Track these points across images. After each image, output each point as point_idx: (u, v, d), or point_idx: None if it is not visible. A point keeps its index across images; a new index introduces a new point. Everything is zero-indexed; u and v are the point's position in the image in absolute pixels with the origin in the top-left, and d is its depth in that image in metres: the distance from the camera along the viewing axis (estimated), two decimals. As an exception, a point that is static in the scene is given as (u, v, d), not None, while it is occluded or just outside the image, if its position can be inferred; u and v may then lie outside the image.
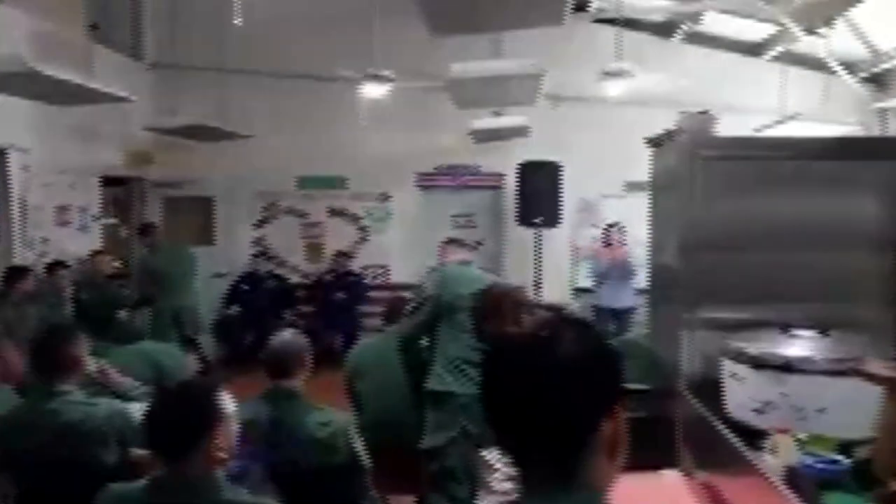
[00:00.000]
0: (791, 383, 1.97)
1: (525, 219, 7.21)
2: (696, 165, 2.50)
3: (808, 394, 1.95)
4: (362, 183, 8.33)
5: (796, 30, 6.01)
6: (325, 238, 8.40)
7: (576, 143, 7.60)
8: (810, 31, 5.96)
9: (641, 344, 3.51)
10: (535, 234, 7.36)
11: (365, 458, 2.55)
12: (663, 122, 7.46)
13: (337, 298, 7.90)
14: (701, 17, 6.73)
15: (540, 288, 7.37)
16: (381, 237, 8.46)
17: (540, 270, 7.38)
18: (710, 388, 2.47)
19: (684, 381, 2.57)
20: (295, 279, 8.29)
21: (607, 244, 7.12)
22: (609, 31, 7.32)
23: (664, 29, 7.73)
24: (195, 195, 8.05)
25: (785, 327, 2.18)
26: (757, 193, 2.46)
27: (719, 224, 2.51)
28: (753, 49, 7.64)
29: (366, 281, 8.27)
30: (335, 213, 8.43)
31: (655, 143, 3.00)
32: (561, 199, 7.17)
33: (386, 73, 5.69)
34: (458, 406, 3.04)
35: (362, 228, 8.46)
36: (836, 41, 6.57)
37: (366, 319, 8.08)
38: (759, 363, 2.04)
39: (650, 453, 2.92)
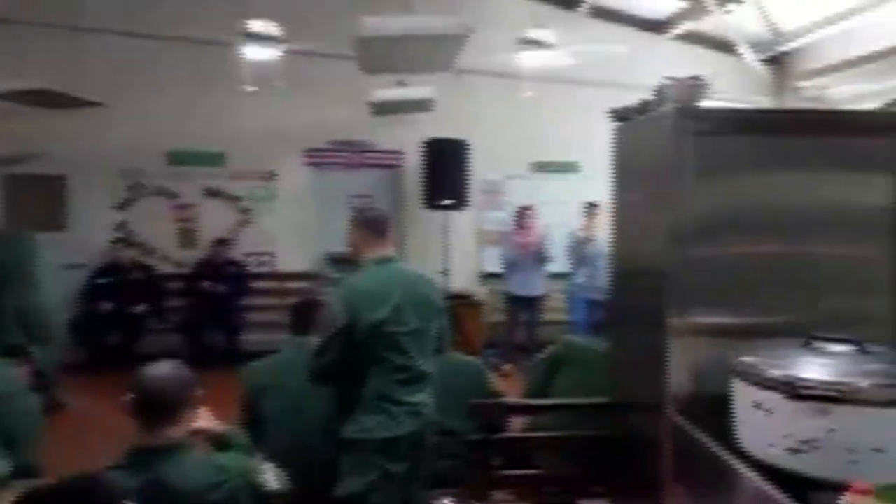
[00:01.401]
0: (841, 417, 1.55)
1: (431, 201, 6.66)
2: (686, 142, 2.03)
3: (862, 430, 1.53)
4: (243, 160, 7.43)
5: (711, 3, 5.80)
6: (200, 222, 7.45)
7: (478, 120, 7.13)
8: (723, 3, 5.78)
9: (596, 349, 3.08)
10: (442, 217, 6.83)
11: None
12: (570, 99, 7.36)
13: (216, 291, 7.02)
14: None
15: (447, 274, 6.86)
16: (265, 221, 7.62)
17: (447, 256, 6.87)
18: (705, 409, 2.05)
19: (671, 400, 2.12)
20: (166, 269, 7.31)
21: (520, 229, 6.72)
22: (515, 2, 6.89)
23: (567, 1, 7.38)
24: (41, 173, 6.84)
25: (808, 340, 1.77)
26: (760, 174, 2.04)
27: (715, 212, 2.07)
28: (657, 26, 7.46)
29: (249, 270, 7.43)
30: (211, 193, 7.49)
31: (621, 115, 2.54)
32: (469, 179, 6.68)
33: (271, 32, 4.92)
34: (377, 447, 2.47)
35: (243, 211, 7.58)
36: (738, 20, 6.48)
37: (251, 314, 7.28)
38: (795, 392, 1.60)
39: (626, 477, 2.55)
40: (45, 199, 6.82)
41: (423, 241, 7.50)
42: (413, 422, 2.55)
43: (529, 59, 5.86)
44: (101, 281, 6.81)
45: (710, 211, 2.08)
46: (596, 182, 7.56)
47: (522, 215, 6.72)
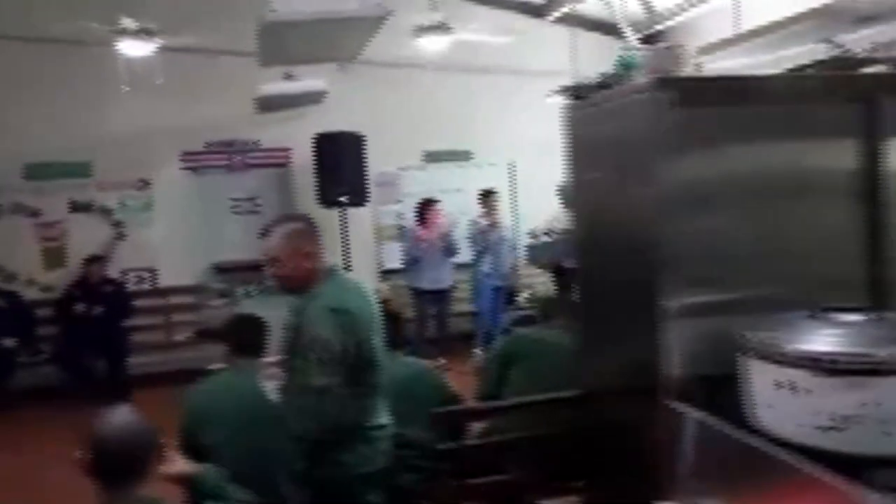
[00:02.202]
0: (877, 390, 1.52)
1: (327, 198, 6.34)
2: (664, 113, 1.96)
3: (897, 400, 1.52)
4: (113, 168, 6.74)
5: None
6: (67, 240, 6.69)
7: (368, 111, 6.88)
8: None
9: (549, 340, 2.99)
10: (339, 213, 6.53)
11: None
12: (460, 86, 7.27)
13: (92, 314, 6.32)
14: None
15: (349, 272, 6.56)
16: (141, 233, 6.96)
17: (347, 253, 6.58)
18: (701, 391, 2.00)
19: (667, 386, 2.05)
20: (31, 295, 6.50)
21: (422, 222, 6.55)
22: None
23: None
24: None
25: (816, 311, 1.74)
26: (740, 143, 2.00)
27: (699, 185, 2.01)
28: (537, 10, 7.53)
29: (128, 289, 6.76)
30: (78, 207, 6.74)
31: (576, 93, 2.44)
32: (366, 173, 6.42)
33: (143, 27, 4.43)
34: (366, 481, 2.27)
35: (116, 224, 6.88)
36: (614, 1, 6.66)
37: (136, 336, 6.64)
38: (825, 367, 1.56)
39: (611, 470, 2.47)
40: None
41: (323, 241, 7.17)
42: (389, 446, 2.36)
43: (420, 47, 5.70)
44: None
45: (693, 183, 2.02)
46: (490, 169, 7.69)
47: (426, 210, 6.57)
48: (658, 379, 2.09)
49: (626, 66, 2.20)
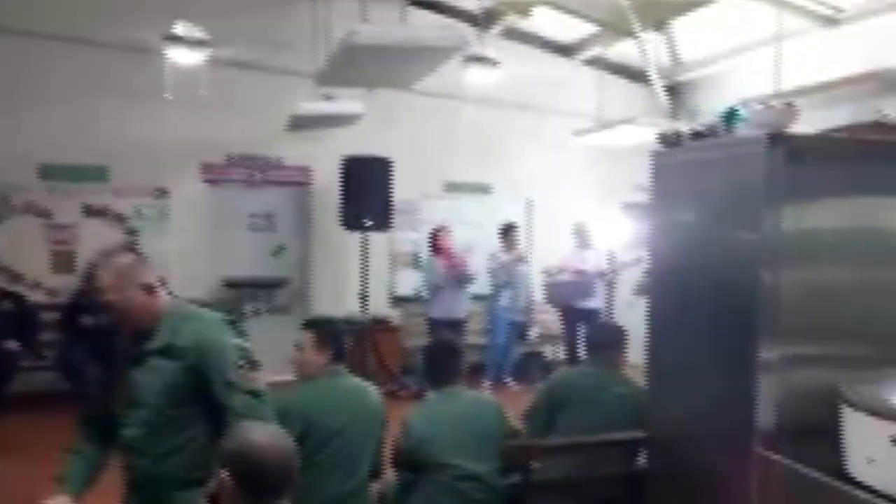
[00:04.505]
0: None
1: (350, 220, 6.29)
2: (778, 167, 1.99)
3: None
4: (130, 175, 6.64)
5: (634, 27, 5.97)
6: (78, 244, 6.55)
7: (389, 136, 6.87)
8: (640, 31, 5.98)
9: (601, 387, 2.96)
10: (360, 238, 6.48)
11: None
12: (486, 119, 7.31)
13: (99, 323, 6.15)
14: (530, 12, 6.43)
15: (365, 298, 6.51)
16: (155, 242, 6.83)
17: (363, 279, 6.52)
18: (797, 445, 1.99)
19: (758, 435, 2.04)
20: (37, 298, 6.35)
21: (435, 249, 6.53)
22: (421, 15, 6.71)
23: (483, 20, 7.36)
24: None
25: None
26: (853, 200, 2.04)
27: (806, 239, 2.04)
28: (566, 50, 7.65)
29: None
30: (92, 212, 6.62)
31: (670, 140, 2.45)
32: (391, 199, 6.39)
33: (199, 35, 4.42)
34: None
35: (130, 232, 6.77)
36: (643, 47, 6.79)
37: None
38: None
39: None
40: None
41: (333, 264, 7.13)
42: None
43: (448, 78, 5.71)
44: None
45: (798, 236, 2.04)
46: (509, 203, 7.72)
47: (436, 236, 6.56)
48: (746, 426, 2.09)
49: (730, 119, 2.23)
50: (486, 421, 2.87)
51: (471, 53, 4.94)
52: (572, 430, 2.97)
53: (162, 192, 6.86)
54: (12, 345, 5.81)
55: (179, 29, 4.41)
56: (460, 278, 6.39)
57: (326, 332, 2.80)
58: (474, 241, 7.06)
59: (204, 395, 2.08)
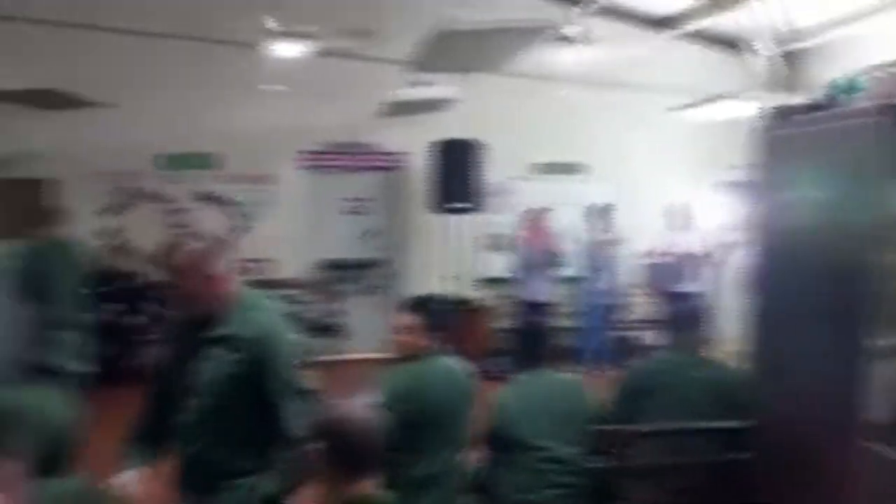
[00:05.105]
0: None
1: (441, 204, 6.41)
2: (891, 142, 1.88)
3: None
4: (240, 162, 7.05)
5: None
6: (192, 228, 7.00)
7: (478, 119, 6.90)
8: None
9: (691, 373, 2.90)
10: (451, 220, 6.59)
11: None
12: (575, 98, 7.22)
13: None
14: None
15: (453, 280, 6.63)
16: (259, 226, 7.23)
17: (450, 261, 6.63)
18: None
19: (867, 427, 1.97)
20: (152, 277, 6.85)
21: (530, 231, 6.54)
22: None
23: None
24: (23, 177, 6.29)
25: None
26: None
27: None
28: (662, 24, 7.40)
29: (248, 277, 7.01)
30: (204, 197, 7.06)
31: (783, 113, 2.35)
32: (483, 182, 6.45)
33: (300, 29, 4.61)
34: None
35: (240, 216, 7.17)
36: (749, 17, 6.47)
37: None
38: None
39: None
40: (26, 203, 6.25)
41: (426, 246, 7.27)
42: None
43: (537, 57, 5.65)
44: (100, 289, 6.30)
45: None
46: (601, 184, 7.61)
47: (532, 218, 6.56)
48: (855, 416, 2.02)
49: (848, 90, 2.12)
50: (573, 404, 2.90)
51: (562, 33, 4.87)
52: (656, 416, 2.93)
53: (265, 179, 7.22)
54: (139, 319, 6.32)
55: (280, 23, 4.62)
56: (551, 260, 6.39)
57: (428, 313, 2.84)
58: (565, 222, 7.02)
59: (257, 387, 2.09)
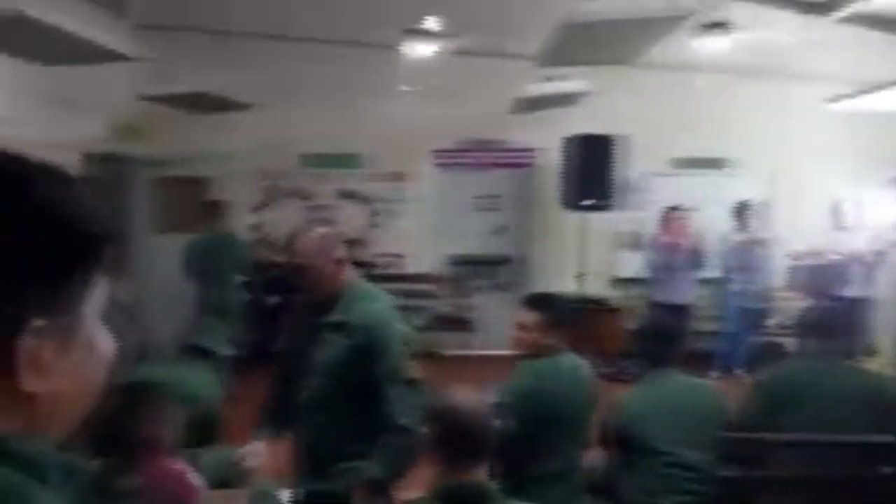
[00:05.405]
0: None
1: (571, 200, 6.31)
2: None
3: None
4: (376, 161, 7.34)
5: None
6: (333, 224, 7.38)
7: (613, 113, 6.70)
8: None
9: (867, 374, 2.66)
10: (582, 218, 6.47)
11: None
12: (718, 89, 6.81)
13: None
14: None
15: (583, 278, 6.51)
16: (394, 222, 7.50)
17: (584, 259, 6.51)
18: None
19: None
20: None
21: (666, 230, 6.27)
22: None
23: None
24: (187, 175, 6.93)
25: None
26: None
27: None
28: (819, 8, 6.82)
29: (379, 271, 7.30)
30: (345, 195, 7.43)
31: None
32: (615, 178, 6.29)
33: (434, 27, 4.71)
34: None
35: (374, 212, 7.48)
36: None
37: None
38: None
39: None
40: (188, 200, 6.88)
41: (559, 244, 7.19)
42: None
43: (677, 47, 5.38)
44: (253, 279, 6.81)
45: None
46: (748, 180, 7.15)
47: (671, 217, 6.27)
48: None
49: None
50: (704, 409, 2.77)
51: (705, 20, 4.61)
52: (799, 426, 2.72)
53: (401, 177, 7.46)
54: (280, 307, 6.75)
55: (416, 23, 4.76)
56: (691, 261, 6.08)
57: (551, 310, 2.79)
58: (706, 220, 6.66)
59: (366, 373, 2.17)
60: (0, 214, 0.55)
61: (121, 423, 1.71)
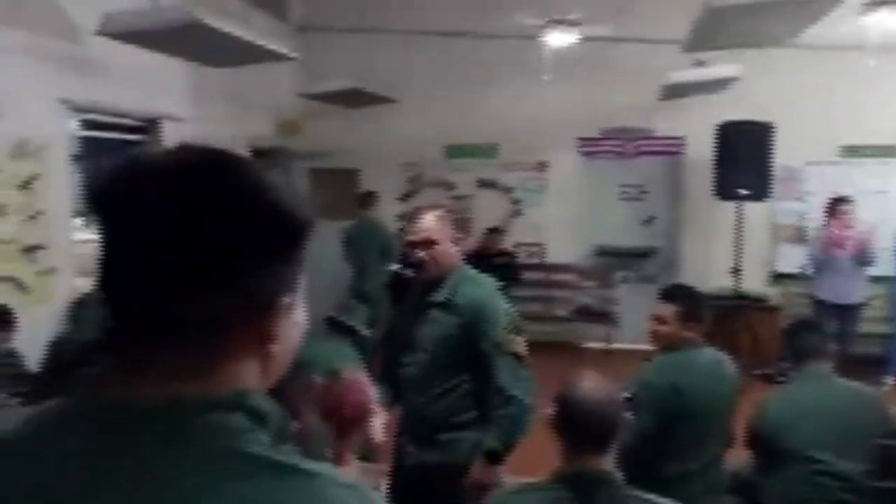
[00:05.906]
0: None
1: (724, 190, 6.00)
2: None
3: None
4: (516, 151, 7.38)
5: None
6: (473, 212, 7.54)
7: (769, 99, 6.25)
8: None
9: None
10: (735, 208, 6.13)
11: None
12: (892, 70, 6.14)
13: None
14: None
15: (738, 273, 6.16)
16: (535, 212, 7.50)
17: (737, 252, 6.16)
18: None
19: None
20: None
21: (833, 224, 5.75)
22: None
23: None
24: (340, 167, 7.37)
25: None
26: None
27: None
28: None
29: (519, 260, 7.34)
30: (485, 184, 7.55)
31: None
32: (771, 167, 5.90)
33: (572, 17, 4.66)
34: None
35: (515, 202, 7.53)
36: None
37: (520, 304, 7.17)
38: None
39: None
40: (342, 191, 7.31)
41: (708, 237, 6.87)
42: None
43: (847, 25, 4.91)
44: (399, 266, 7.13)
45: None
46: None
47: (838, 209, 5.74)
48: None
49: None
50: (862, 416, 2.56)
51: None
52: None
53: (542, 166, 7.45)
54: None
55: (554, 12, 4.73)
56: (859, 257, 5.55)
57: (689, 303, 2.69)
58: (878, 212, 6.07)
59: (473, 348, 2.29)
60: (251, 209, 0.66)
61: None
